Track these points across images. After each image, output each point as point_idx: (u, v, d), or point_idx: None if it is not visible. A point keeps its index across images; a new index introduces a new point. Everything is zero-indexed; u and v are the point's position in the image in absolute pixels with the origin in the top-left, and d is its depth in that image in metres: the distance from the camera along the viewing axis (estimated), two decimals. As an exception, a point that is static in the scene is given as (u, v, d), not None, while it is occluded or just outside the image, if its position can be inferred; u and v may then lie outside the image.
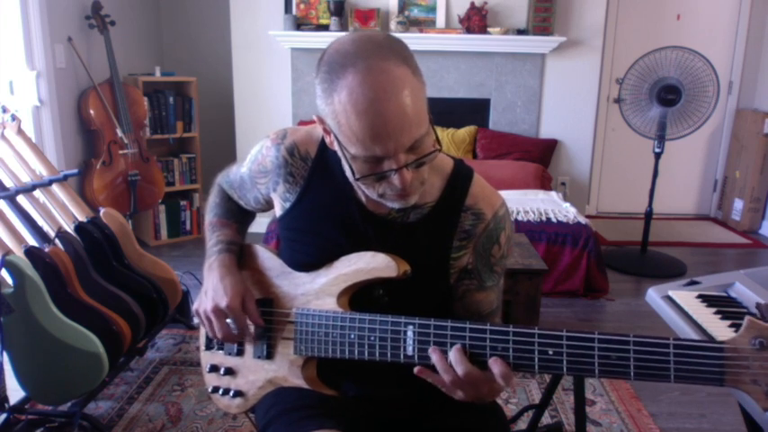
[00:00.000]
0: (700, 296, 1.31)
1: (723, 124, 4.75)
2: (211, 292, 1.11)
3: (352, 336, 1.01)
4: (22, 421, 1.95)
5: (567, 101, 4.16)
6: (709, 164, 4.87)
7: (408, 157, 0.90)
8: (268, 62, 4.10)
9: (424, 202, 1.05)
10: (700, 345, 0.81)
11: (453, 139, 4.02)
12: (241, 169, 1.21)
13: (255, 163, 1.15)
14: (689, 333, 1.18)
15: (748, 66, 4.62)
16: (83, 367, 1.87)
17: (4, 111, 2.37)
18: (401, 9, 3.98)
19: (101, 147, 3.45)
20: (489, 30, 3.90)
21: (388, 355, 0.98)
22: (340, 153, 0.95)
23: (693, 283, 1.39)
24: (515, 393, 2.31)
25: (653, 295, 1.38)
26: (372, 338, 0.99)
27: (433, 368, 0.94)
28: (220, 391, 1.19)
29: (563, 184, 4.31)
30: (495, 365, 0.89)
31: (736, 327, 1.15)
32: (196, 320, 1.15)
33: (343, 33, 3.83)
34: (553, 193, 3.66)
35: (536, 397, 2.29)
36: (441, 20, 4.00)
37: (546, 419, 2.12)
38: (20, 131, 2.34)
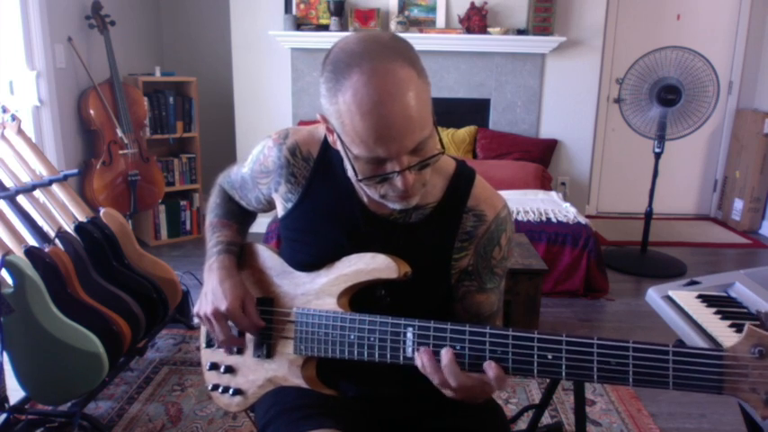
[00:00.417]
0: (700, 296, 1.31)
1: (723, 124, 4.75)
2: (211, 295, 1.11)
3: (352, 336, 1.01)
4: (22, 421, 1.95)
5: (567, 101, 4.16)
6: (710, 164, 4.87)
7: (411, 159, 0.90)
8: (268, 62, 4.10)
9: (426, 203, 1.05)
10: (699, 352, 0.80)
11: (453, 140, 4.02)
12: (242, 169, 1.21)
13: (257, 163, 1.15)
14: (689, 333, 1.18)
15: (748, 66, 4.62)
16: (83, 367, 1.87)
17: (4, 111, 2.37)
18: (401, 9, 3.98)
19: (101, 147, 3.45)
20: (489, 30, 3.90)
21: (388, 356, 0.98)
22: (343, 153, 0.94)
23: (693, 283, 1.39)
24: (515, 393, 2.31)
25: (653, 295, 1.38)
26: (372, 339, 0.99)
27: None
28: (220, 389, 1.19)
29: (563, 184, 4.31)
30: (491, 369, 0.89)
31: (736, 327, 1.15)
32: (197, 321, 1.15)
33: (343, 33, 3.85)
34: (553, 193, 3.66)
35: (536, 397, 2.29)
36: (441, 20, 4.00)
37: (546, 419, 2.12)
38: (20, 131, 2.34)
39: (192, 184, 4.10)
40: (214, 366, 1.20)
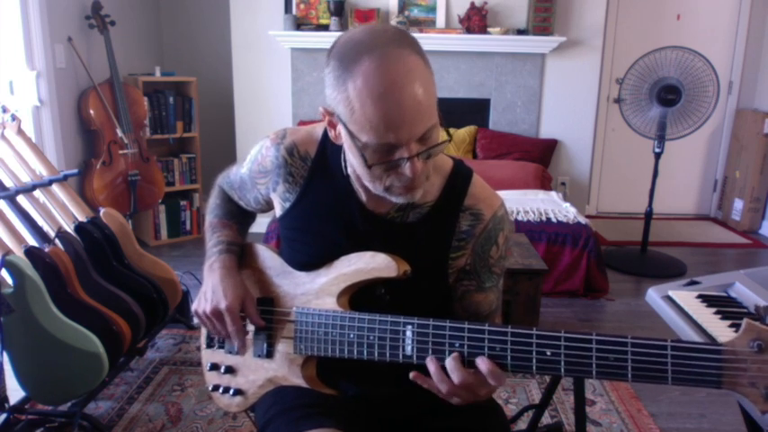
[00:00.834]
0: (700, 296, 1.31)
1: (723, 124, 4.75)
2: (211, 293, 1.11)
3: (352, 335, 1.01)
4: (22, 421, 1.95)
5: (567, 101, 4.16)
6: (710, 164, 4.87)
7: (419, 147, 0.90)
8: (268, 62, 4.10)
9: (423, 202, 1.05)
10: (697, 347, 0.81)
11: (453, 139, 4.02)
12: (241, 170, 1.21)
13: (255, 163, 1.15)
14: (689, 333, 1.18)
15: (748, 66, 4.62)
16: (83, 367, 1.87)
17: (4, 111, 2.37)
18: (401, 9, 3.98)
19: (101, 147, 3.45)
20: (489, 30, 3.90)
21: (387, 354, 0.98)
22: (349, 144, 0.93)
23: (693, 283, 1.39)
24: (515, 393, 2.31)
25: (653, 295, 1.38)
26: (371, 338, 0.99)
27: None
28: (220, 390, 1.19)
29: (563, 184, 4.31)
30: (483, 364, 0.89)
31: (736, 327, 1.15)
32: (196, 320, 1.15)
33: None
34: (553, 193, 3.66)
35: (536, 397, 2.29)
36: (441, 20, 4.00)
37: (546, 419, 2.12)
38: (20, 131, 2.34)
39: (191, 184, 4.10)
40: (214, 367, 1.20)
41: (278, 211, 1.15)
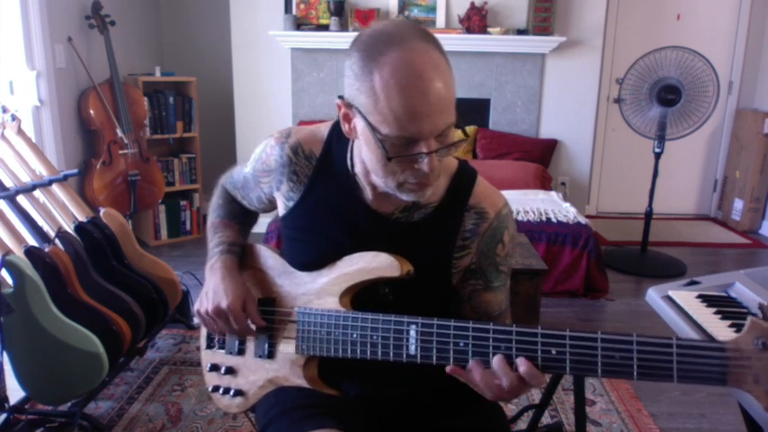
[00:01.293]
0: (700, 296, 1.31)
1: (723, 124, 4.75)
2: (212, 293, 1.11)
3: (355, 335, 1.01)
4: (22, 421, 1.95)
5: (567, 101, 4.16)
6: (710, 164, 4.88)
7: (437, 144, 0.91)
8: (268, 62, 4.10)
9: (428, 202, 1.05)
10: (703, 345, 0.81)
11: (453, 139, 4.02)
12: (244, 169, 1.21)
13: (259, 162, 1.15)
14: (689, 333, 1.18)
15: (748, 66, 4.63)
16: (83, 367, 1.86)
17: (4, 111, 2.36)
18: (401, 9, 3.98)
19: (101, 147, 3.45)
20: (489, 30, 3.90)
21: (391, 354, 0.98)
22: (367, 136, 0.92)
23: (693, 283, 1.39)
24: (515, 393, 2.30)
25: (653, 295, 1.38)
26: (375, 338, 0.99)
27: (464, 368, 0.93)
28: (221, 391, 1.19)
29: (563, 184, 4.31)
30: (523, 366, 0.88)
31: (736, 327, 1.15)
32: (197, 320, 1.15)
33: (343, 33, 3.85)
34: (553, 193, 3.66)
35: (536, 397, 2.29)
36: (441, 20, 4.00)
37: (546, 419, 2.12)
38: (20, 131, 2.34)
39: (191, 184, 4.09)
40: (214, 368, 1.20)
41: (281, 210, 1.14)
